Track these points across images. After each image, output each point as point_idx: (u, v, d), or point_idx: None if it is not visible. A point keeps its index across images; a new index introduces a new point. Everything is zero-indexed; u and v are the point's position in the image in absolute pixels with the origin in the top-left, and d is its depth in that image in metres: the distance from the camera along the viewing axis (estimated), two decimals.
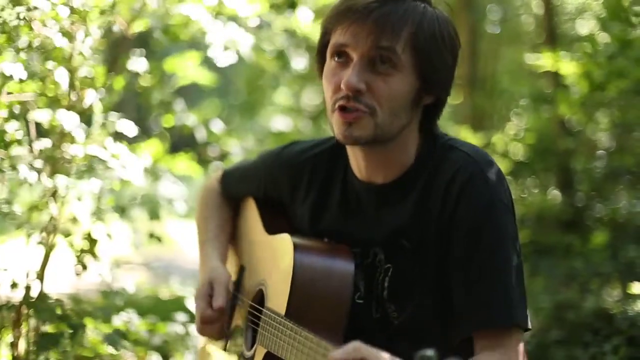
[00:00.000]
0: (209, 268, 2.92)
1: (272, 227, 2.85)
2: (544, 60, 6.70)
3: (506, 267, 2.42)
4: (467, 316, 2.42)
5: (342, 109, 2.47)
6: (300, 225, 2.79)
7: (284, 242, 2.65)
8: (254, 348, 2.71)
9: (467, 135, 8.21)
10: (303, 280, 2.53)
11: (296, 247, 2.58)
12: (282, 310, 2.53)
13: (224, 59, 4.58)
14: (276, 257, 2.70)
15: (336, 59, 2.50)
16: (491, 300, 2.39)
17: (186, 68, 5.31)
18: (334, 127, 2.53)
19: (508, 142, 8.14)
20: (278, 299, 2.59)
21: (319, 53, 2.60)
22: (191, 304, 4.78)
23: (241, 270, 3.02)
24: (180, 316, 4.74)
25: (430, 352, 1.80)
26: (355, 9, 2.44)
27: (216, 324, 2.83)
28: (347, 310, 2.52)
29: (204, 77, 5.52)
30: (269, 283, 2.72)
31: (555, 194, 7.85)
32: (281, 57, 5.84)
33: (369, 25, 2.42)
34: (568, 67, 6.37)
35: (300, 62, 6.21)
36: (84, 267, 3.84)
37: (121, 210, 4.17)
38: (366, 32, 2.42)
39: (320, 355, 2.18)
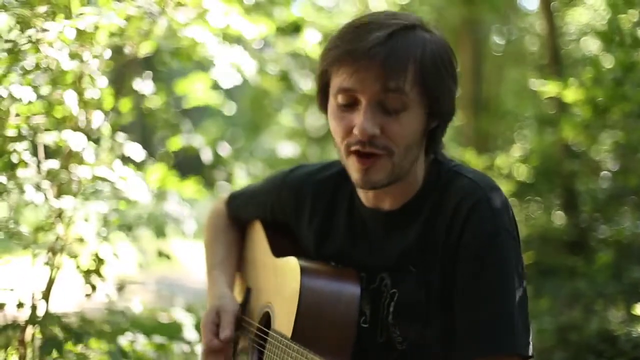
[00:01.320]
0: (217, 295, 2.93)
1: (279, 250, 2.86)
2: (549, 88, 6.72)
3: (509, 295, 2.43)
4: (469, 343, 2.43)
5: (358, 154, 2.46)
6: (306, 249, 2.80)
7: (291, 265, 2.66)
8: None
9: (471, 157, 8.22)
10: (309, 303, 2.54)
11: (303, 270, 2.59)
12: (288, 332, 2.53)
13: (228, 81, 4.60)
14: (283, 279, 2.71)
15: (341, 101, 2.48)
16: (493, 328, 2.40)
17: (195, 90, 5.34)
18: (350, 171, 2.53)
19: (512, 163, 8.15)
20: (285, 321, 2.60)
21: (321, 91, 2.58)
22: (190, 332, 4.78)
23: (247, 292, 3.03)
24: (187, 334, 4.73)
25: None
26: (358, 53, 2.41)
27: (222, 354, 2.84)
28: (353, 334, 2.52)
29: (214, 100, 5.54)
30: (276, 305, 2.73)
31: (559, 215, 7.86)
32: (286, 78, 5.86)
33: (375, 69, 2.40)
34: (572, 94, 6.39)
35: (305, 83, 6.22)
36: (93, 288, 3.85)
37: (127, 229, 4.17)
38: (373, 76, 2.40)
39: None
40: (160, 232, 4.59)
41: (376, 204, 2.63)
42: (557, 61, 8.27)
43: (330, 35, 2.57)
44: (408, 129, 2.46)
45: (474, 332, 2.42)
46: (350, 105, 2.47)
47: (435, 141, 2.60)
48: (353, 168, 2.50)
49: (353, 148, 2.47)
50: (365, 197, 2.66)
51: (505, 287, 2.43)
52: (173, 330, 4.76)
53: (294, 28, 5.26)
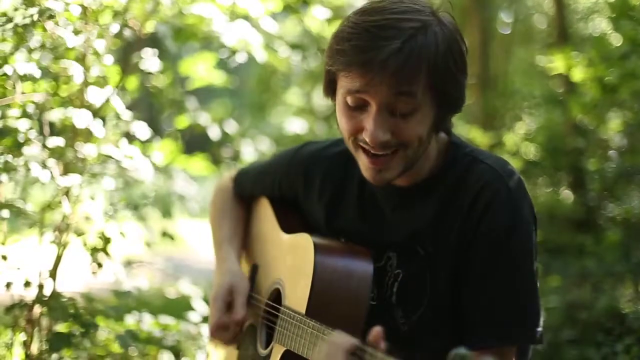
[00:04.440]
0: (228, 271, 2.91)
1: (288, 226, 2.85)
2: (557, 63, 6.68)
3: (523, 286, 2.45)
4: (481, 331, 2.45)
5: (369, 153, 2.45)
6: (315, 225, 2.79)
7: (304, 241, 2.65)
8: (270, 346, 2.71)
9: (478, 135, 8.21)
10: (323, 280, 2.53)
11: (317, 247, 2.58)
12: (301, 309, 2.52)
13: (236, 59, 4.56)
14: (295, 256, 2.70)
15: (351, 103, 2.44)
16: (505, 319, 2.43)
17: (200, 70, 5.32)
18: (359, 164, 2.51)
19: (519, 141, 8.13)
20: (297, 298, 2.59)
21: (327, 84, 2.54)
22: (199, 305, 4.77)
23: (254, 268, 3.02)
24: (193, 315, 4.74)
25: (463, 351, 1.80)
26: (370, 65, 2.35)
27: (231, 332, 2.84)
28: (365, 311, 2.51)
29: (219, 79, 5.51)
30: (287, 282, 2.72)
31: (567, 194, 7.84)
32: (299, 48, 5.81)
33: (387, 79, 2.35)
34: (580, 71, 6.35)
35: (312, 61, 6.19)
36: (100, 266, 3.85)
37: (134, 208, 4.17)
38: (385, 82, 2.35)
39: None
40: (167, 213, 4.59)
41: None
42: (565, 40, 8.22)
43: (338, 29, 2.50)
44: (419, 128, 2.44)
45: (485, 322, 2.45)
46: (360, 107, 2.44)
47: (445, 125, 2.57)
48: (363, 165, 2.50)
49: (362, 145, 2.46)
50: None
51: (519, 279, 2.45)
52: (181, 307, 4.76)
53: (302, 4, 5.20)
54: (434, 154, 2.58)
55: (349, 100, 2.44)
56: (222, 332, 2.84)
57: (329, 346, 2.28)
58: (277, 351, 2.64)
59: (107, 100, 3.81)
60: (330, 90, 2.55)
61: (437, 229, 2.53)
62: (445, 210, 2.52)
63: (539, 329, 2.46)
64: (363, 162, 2.49)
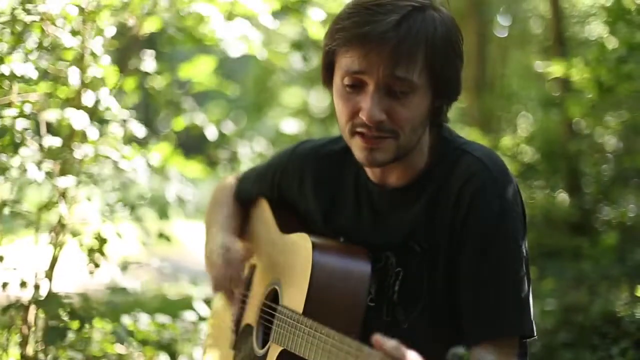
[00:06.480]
0: (220, 238, 2.95)
1: (286, 227, 2.85)
2: (554, 68, 6.69)
3: (513, 280, 2.45)
4: (475, 326, 2.45)
5: (364, 135, 2.45)
6: (312, 226, 2.79)
7: (302, 241, 2.65)
8: (267, 346, 2.71)
9: (475, 138, 8.21)
10: (321, 279, 2.53)
11: (315, 247, 2.59)
12: (299, 308, 2.53)
13: (235, 51, 4.55)
14: (293, 255, 2.70)
15: (348, 82, 2.46)
16: (497, 313, 2.43)
17: (200, 74, 5.32)
18: (354, 149, 2.51)
19: (516, 144, 8.15)
20: (294, 297, 2.59)
21: (325, 68, 2.56)
22: (200, 305, 4.77)
23: (252, 269, 3.02)
24: (189, 315, 4.74)
25: (461, 350, 1.80)
26: (369, 38, 2.37)
27: (239, 283, 2.88)
28: (362, 311, 2.52)
29: (221, 85, 5.52)
30: (284, 281, 2.72)
31: (563, 197, 7.85)
32: (299, 47, 5.81)
33: (385, 55, 2.36)
34: (577, 73, 6.35)
35: (310, 61, 6.18)
36: (96, 266, 3.85)
37: (130, 209, 4.16)
38: (382, 61, 2.37)
39: (344, 352, 2.17)
40: (163, 214, 4.59)
41: (383, 179, 2.62)
42: (561, 43, 8.24)
43: (339, 12, 2.53)
44: (414, 111, 2.45)
45: (479, 316, 2.45)
46: (357, 86, 2.45)
47: (440, 117, 2.58)
48: (357, 147, 2.49)
49: (359, 130, 2.46)
50: (372, 172, 2.65)
51: (509, 272, 2.45)
52: (177, 307, 4.77)
53: (302, 3, 5.20)
54: (426, 151, 2.59)
55: (347, 80, 2.46)
56: (227, 282, 2.87)
57: None
58: (274, 351, 2.64)
59: (105, 101, 3.80)
60: (328, 75, 2.56)
61: (430, 224, 2.53)
62: (435, 205, 2.53)
63: (530, 320, 2.46)
64: (357, 145, 2.48)
